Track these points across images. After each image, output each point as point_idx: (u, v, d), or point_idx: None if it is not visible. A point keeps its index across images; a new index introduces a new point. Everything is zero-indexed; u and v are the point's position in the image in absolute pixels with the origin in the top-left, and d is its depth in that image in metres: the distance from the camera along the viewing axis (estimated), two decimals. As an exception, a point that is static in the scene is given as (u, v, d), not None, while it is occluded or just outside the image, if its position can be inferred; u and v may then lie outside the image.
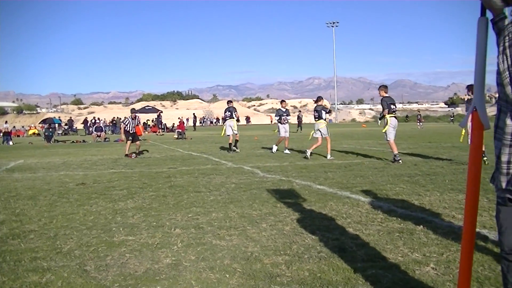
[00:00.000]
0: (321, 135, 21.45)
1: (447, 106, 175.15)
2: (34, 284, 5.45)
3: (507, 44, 2.77)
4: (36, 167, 19.76)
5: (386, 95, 19.53)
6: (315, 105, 22.29)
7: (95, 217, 9.13)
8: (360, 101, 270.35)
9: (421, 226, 7.71)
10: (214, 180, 14.05)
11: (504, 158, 2.90)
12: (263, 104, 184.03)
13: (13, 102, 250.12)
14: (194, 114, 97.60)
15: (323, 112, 21.86)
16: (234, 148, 26.22)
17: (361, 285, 5.18)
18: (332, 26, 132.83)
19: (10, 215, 9.51)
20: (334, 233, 7.46)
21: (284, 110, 25.31)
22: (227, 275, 5.61)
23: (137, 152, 24.51)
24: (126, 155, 24.11)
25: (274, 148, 24.87)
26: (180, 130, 47.96)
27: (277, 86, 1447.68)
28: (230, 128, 26.22)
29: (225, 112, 27.34)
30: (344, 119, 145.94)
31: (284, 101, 27.05)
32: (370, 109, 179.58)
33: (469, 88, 17.43)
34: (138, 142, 25.75)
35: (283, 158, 20.84)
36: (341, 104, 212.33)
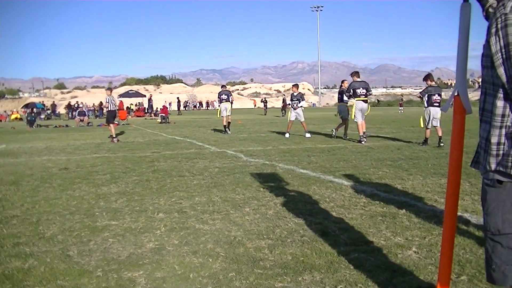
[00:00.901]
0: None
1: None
2: (16, 270, 5.43)
3: (499, 25, 2.79)
4: (18, 152, 19.66)
5: (358, 79, 21.14)
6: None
7: (78, 202, 9.11)
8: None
9: (404, 210, 7.76)
10: (198, 164, 14.04)
11: (494, 139, 2.91)
12: (247, 88, 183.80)
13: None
14: (178, 98, 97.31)
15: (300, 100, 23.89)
16: (227, 129, 27.57)
17: (344, 268, 5.20)
18: (317, 10, 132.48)
19: (-8, 201, 9.47)
20: (317, 217, 7.49)
21: (295, 94, 25.06)
22: (210, 259, 5.63)
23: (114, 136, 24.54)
24: (113, 137, 24.05)
25: (287, 134, 24.83)
26: (163, 115, 47.83)
27: (261, 70, 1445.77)
28: (225, 110, 28.02)
29: (220, 95, 28.58)
30: (327, 103, 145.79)
31: (296, 85, 26.70)
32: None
33: (426, 78, 19.36)
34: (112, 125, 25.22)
35: (267, 142, 20.84)
36: (325, 88, 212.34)
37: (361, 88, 20.71)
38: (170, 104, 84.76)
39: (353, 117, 20.90)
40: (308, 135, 23.93)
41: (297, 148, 18.03)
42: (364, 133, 20.25)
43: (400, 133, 24.98)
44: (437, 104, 18.62)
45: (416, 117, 42.88)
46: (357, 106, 20.55)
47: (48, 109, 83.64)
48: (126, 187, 10.63)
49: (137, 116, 72.09)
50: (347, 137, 22.17)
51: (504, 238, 2.92)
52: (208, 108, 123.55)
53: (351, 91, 20.81)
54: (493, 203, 2.97)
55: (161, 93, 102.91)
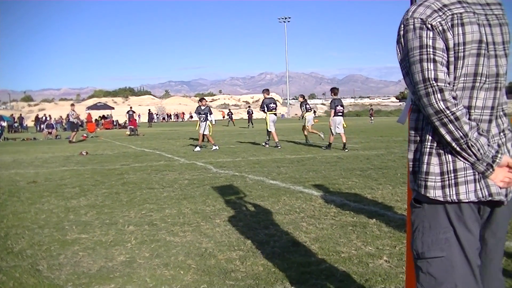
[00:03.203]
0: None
1: (398, 100, 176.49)
2: (-15, 285, 5.38)
3: (401, 32, 2.71)
4: (-15, 165, 19.46)
5: (268, 96, 25.52)
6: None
7: (47, 216, 9.04)
8: (312, 96, 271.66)
9: (374, 219, 7.80)
10: (167, 176, 14.00)
11: (410, 155, 2.81)
12: (215, 100, 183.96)
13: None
14: (149, 110, 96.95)
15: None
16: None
17: (315, 279, 5.22)
18: (284, 22, 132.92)
19: (-40, 215, 9.37)
20: (288, 227, 7.51)
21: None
22: (182, 272, 5.62)
23: (73, 140, 25.45)
24: (71, 141, 24.84)
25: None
26: (132, 127, 47.66)
27: (229, 82, 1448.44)
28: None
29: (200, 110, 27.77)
30: (296, 114, 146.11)
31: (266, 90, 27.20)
32: (322, 104, 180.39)
33: (331, 91, 22.91)
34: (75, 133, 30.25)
35: (236, 154, 20.85)
36: (293, 99, 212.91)
37: (273, 103, 25.23)
38: (139, 116, 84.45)
39: (268, 127, 24.67)
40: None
41: (266, 159, 18.06)
42: (306, 139, 24.21)
43: (369, 143, 25.08)
44: (341, 114, 22.16)
45: (386, 127, 43.16)
46: (270, 119, 24.55)
47: (16, 122, 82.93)
48: (96, 200, 10.56)
49: (106, 129, 71.76)
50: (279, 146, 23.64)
51: (424, 263, 2.74)
52: (177, 120, 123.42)
53: (264, 106, 24.96)
54: (415, 225, 2.81)
55: (129, 105, 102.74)
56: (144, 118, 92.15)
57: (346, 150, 20.56)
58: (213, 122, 24.88)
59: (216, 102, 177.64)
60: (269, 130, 24.68)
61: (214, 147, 23.82)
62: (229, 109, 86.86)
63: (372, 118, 71.11)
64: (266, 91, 26.44)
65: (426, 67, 2.55)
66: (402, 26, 2.72)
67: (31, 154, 25.37)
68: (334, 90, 22.88)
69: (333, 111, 22.15)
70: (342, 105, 22.54)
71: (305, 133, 26.65)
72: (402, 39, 2.73)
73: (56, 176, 14.85)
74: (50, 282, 5.44)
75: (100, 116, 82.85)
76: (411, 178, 2.84)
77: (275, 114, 25.27)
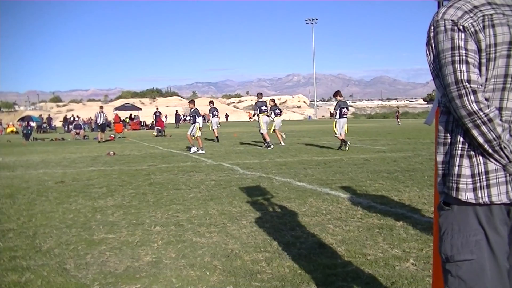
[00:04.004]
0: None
1: (426, 102, 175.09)
2: (13, 284, 5.42)
3: (431, 34, 2.65)
4: (14, 165, 19.62)
5: (261, 100, 27.70)
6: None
7: (75, 215, 9.10)
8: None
9: (401, 222, 7.75)
10: (194, 177, 14.03)
11: (439, 157, 2.76)
12: (242, 101, 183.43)
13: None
14: (176, 111, 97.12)
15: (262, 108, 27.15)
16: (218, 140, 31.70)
17: (341, 281, 5.20)
18: (311, 23, 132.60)
19: (-11, 214, 9.46)
20: (314, 229, 7.49)
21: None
22: (208, 272, 5.62)
23: (102, 140, 26.97)
24: (99, 141, 25.75)
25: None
26: (159, 128, 47.78)
27: (257, 83, 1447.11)
28: (216, 123, 33.81)
29: (212, 111, 34.64)
30: (323, 116, 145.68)
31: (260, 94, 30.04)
32: (350, 105, 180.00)
33: (335, 94, 24.19)
34: (102, 133, 33.19)
35: (263, 155, 20.84)
36: (321, 100, 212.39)
37: (264, 106, 27.06)
38: (166, 117, 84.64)
39: (261, 129, 26.53)
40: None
41: (293, 161, 18.03)
42: (268, 141, 25.76)
43: (396, 145, 24.94)
44: (345, 116, 23.48)
45: (413, 129, 42.92)
46: (263, 120, 26.36)
47: (44, 123, 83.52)
48: (123, 200, 10.61)
49: (133, 129, 72.01)
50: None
51: (453, 266, 2.69)
52: (204, 121, 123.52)
53: (258, 109, 26.92)
54: (443, 227, 2.77)
55: (156, 106, 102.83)
56: (171, 119, 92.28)
57: (343, 149, 22.39)
58: (201, 125, 24.88)
59: (243, 103, 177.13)
60: (262, 132, 26.47)
61: (199, 150, 23.84)
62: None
63: (399, 120, 70.66)
64: (260, 94, 29.25)
65: (458, 69, 2.52)
66: (432, 28, 2.68)
67: (59, 154, 25.55)
68: (339, 93, 24.04)
69: (338, 113, 23.24)
70: (347, 108, 24.13)
71: (277, 134, 27.89)
72: (432, 41, 2.69)
73: (83, 176, 14.95)
74: (77, 281, 5.48)
75: (127, 117, 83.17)
76: (439, 180, 2.80)
77: (268, 116, 26.95)
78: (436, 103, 3.07)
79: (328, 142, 26.45)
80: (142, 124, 79.14)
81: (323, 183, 12.11)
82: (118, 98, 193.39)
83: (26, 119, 70.70)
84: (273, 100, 29.42)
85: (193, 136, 24.26)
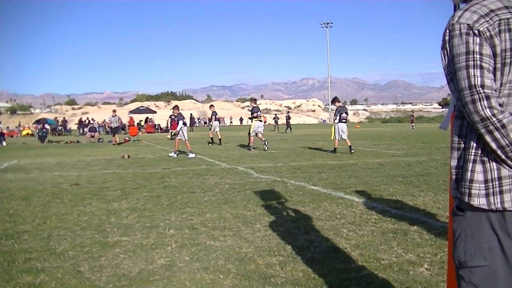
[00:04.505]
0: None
1: (440, 107, 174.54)
2: (28, 285, 5.45)
3: (446, 38, 2.63)
4: (29, 167, 19.72)
5: (255, 105, 29.36)
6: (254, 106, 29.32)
7: (89, 218, 9.13)
8: (354, 102, 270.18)
9: (415, 226, 7.73)
10: (208, 180, 14.05)
11: (453, 162, 2.73)
12: (257, 105, 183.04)
13: (7, 102, 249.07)
14: (191, 114, 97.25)
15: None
16: (219, 143, 33.53)
17: (355, 285, 5.19)
18: (326, 27, 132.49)
19: (4, 216, 9.51)
20: (328, 233, 7.48)
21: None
22: (221, 276, 5.62)
23: (116, 143, 32.49)
24: (118, 143, 30.11)
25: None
26: (173, 131, 47.84)
27: (271, 87, 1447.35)
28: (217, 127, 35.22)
29: (214, 114, 36.35)
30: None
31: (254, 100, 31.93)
32: (364, 109, 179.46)
33: (334, 101, 25.50)
34: (117, 136, 35.10)
35: (277, 159, 20.82)
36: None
37: (259, 112, 28.76)
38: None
39: (251, 131, 27.83)
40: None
41: (307, 165, 18.01)
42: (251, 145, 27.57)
43: (411, 149, 24.85)
44: (344, 121, 24.33)
45: (428, 133, 42.78)
46: (256, 125, 27.79)
47: (60, 125, 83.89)
48: (137, 203, 10.64)
49: (147, 132, 72.16)
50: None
51: (466, 272, 2.67)
52: (219, 124, 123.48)
53: (252, 113, 28.68)
54: (457, 233, 2.75)
55: (171, 109, 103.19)
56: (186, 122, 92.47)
57: (353, 151, 23.12)
58: (184, 129, 25.73)
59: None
60: (250, 134, 27.84)
61: (172, 153, 24.29)
62: (275, 115, 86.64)
63: (414, 124, 70.39)
64: (254, 100, 30.91)
65: (472, 74, 2.49)
66: (448, 31, 2.66)
67: (74, 156, 25.65)
68: (336, 99, 25.50)
69: (338, 118, 24.15)
70: (346, 113, 24.91)
71: (259, 136, 28.19)
72: (447, 44, 2.67)
73: (98, 179, 14.99)
74: (91, 283, 5.49)
75: (141, 120, 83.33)
76: (453, 185, 2.78)
77: (260, 121, 28.35)
78: (451, 107, 3.04)
79: (342, 146, 26.38)
80: (156, 127, 79.33)
81: (338, 187, 12.09)
82: (133, 101, 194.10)
83: (41, 121, 70.99)
84: (255, 101, 31.11)
85: (185, 139, 24.88)
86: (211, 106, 39.68)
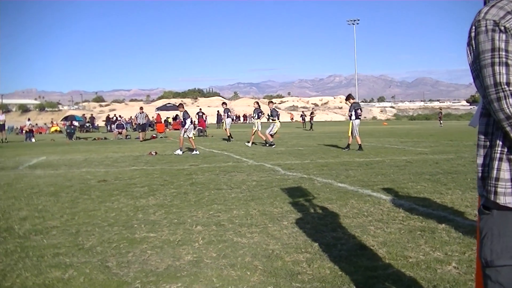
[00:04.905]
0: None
1: (468, 104, 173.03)
2: (56, 280, 5.49)
3: (472, 34, 2.55)
4: (58, 164, 19.87)
5: (257, 106, 31.02)
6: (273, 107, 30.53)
7: (117, 214, 9.18)
8: (381, 99, 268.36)
9: (443, 224, 7.68)
10: (235, 177, 14.07)
11: (479, 160, 2.72)
12: (284, 102, 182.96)
13: (35, 99, 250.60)
14: (218, 111, 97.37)
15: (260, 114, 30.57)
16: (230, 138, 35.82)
17: (382, 283, 5.17)
18: (353, 24, 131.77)
19: (33, 211, 9.59)
20: (355, 231, 7.45)
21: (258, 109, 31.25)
22: (248, 273, 5.63)
23: (143, 139, 35.52)
24: (146, 139, 32.24)
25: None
26: (201, 128, 47.99)
27: (298, 84, 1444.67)
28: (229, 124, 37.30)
29: (226, 112, 37.73)
30: (365, 117, 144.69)
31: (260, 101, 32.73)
32: (391, 107, 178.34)
33: (348, 98, 25.43)
34: (143, 133, 37.82)
35: (304, 156, 20.79)
36: (362, 102, 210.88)
37: (261, 113, 30.56)
38: (206, 117, 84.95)
39: (255, 128, 29.97)
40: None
41: (334, 162, 17.97)
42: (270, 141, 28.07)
43: (438, 147, 24.69)
44: (360, 117, 24.60)
45: (455, 130, 42.49)
46: (259, 123, 30.05)
47: (88, 122, 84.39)
48: (164, 199, 10.68)
49: (175, 129, 72.29)
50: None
51: (493, 271, 2.64)
52: (246, 121, 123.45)
53: (256, 115, 30.58)
54: (483, 232, 2.71)
55: (198, 106, 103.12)
56: (213, 119, 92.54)
57: (347, 150, 23.75)
58: (191, 127, 25.85)
59: (284, 104, 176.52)
60: (257, 130, 29.82)
61: (177, 151, 24.34)
62: (303, 112, 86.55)
63: (441, 121, 69.92)
64: (256, 103, 32.20)
65: (498, 71, 2.46)
66: (474, 27, 2.62)
67: (101, 153, 25.80)
68: (351, 96, 25.60)
69: (353, 114, 24.25)
70: (361, 109, 25.25)
71: (259, 134, 29.98)
72: (473, 41, 2.64)
73: (125, 175, 15.08)
74: (118, 279, 5.52)
75: (168, 117, 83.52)
76: (479, 183, 2.76)
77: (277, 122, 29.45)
78: (480, 104, 3.00)
79: (370, 143, 26.29)
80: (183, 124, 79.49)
81: (365, 185, 12.06)
82: (160, 98, 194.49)
83: (69, 118, 71.49)
84: (257, 103, 32.43)
85: (188, 137, 24.85)
86: (224, 103, 40.93)
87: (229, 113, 37.74)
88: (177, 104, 29.75)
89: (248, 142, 29.37)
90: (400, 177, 13.36)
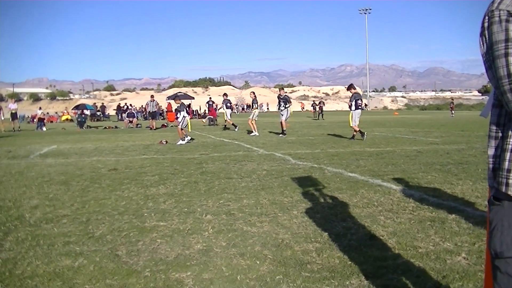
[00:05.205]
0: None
1: (480, 94, 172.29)
2: (67, 268, 5.51)
3: (485, 24, 2.50)
4: (68, 152, 19.93)
5: (253, 96, 31.96)
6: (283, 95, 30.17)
7: (127, 203, 9.20)
8: (392, 89, 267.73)
9: (453, 215, 7.66)
10: (246, 166, 14.08)
11: (490, 151, 2.71)
12: (295, 91, 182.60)
13: (47, 88, 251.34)
14: (207, 102, 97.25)
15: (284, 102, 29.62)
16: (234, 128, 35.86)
17: (391, 273, 5.16)
18: (365, 13, 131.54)
19: (44, 200, 9.63)
20: (365, 221, 7.45)
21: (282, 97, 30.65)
22: (258, 262, 5.63)
23: (153, 127, 36.91)
24: (155, 128, 33.41)
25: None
26: (211, 117, 48.01)
27: (309, 73, 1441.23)
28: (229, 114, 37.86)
29: (226, 102, 38.14)
30: (376, 107, 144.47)
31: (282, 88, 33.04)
32: (403, 96, 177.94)
33: (349, 88, 25.57)
34: (154, 121, 39.48)
35: (315, 146, 20.77)
36: (373, 91, 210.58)
37: (256, 103, 31.79)
38: (217, 106, 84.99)
39: (252, 117, 30.31)
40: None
41: (345, 152, 17.95)
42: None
43: (450, 137, 24.61)
44: (360, 107, 24.94)
45: (467, 121, 42.35)
46: (256, 113, 30.76)
47: (98, 111, 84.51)
48: (175, 188, 10.70)
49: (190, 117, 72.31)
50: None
51: (502, 263, 2.64)
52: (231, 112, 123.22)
53: (253, 105, 31.91)
54: (493, 223, 2.71)
55: (209, 95, 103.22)
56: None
57: (360, 139, 23.45)
58: (186, 118, 25.91)
59: (295, 93, 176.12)
60: (253, 119, 30.25)
61: (180, 141, 24.16)
62: (313, 101, 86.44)
63: (453, 112, 69.64)
64: (252, 93, 32.92)
65: (511, 62, 2.42)
66: (487, 18, 2.59)
67: (112, 142, 25.88)
68: (352, 86, 25.71)
69: (353, 104, 24.73)
70: (361, 99, 25.67)
71: (252, 123, 30.34)
72: (486, 31, 2.60)
73: (136, 164, 15.11)
74: (128, 267, 5.54)
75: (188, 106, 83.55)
76: (490, 175, 2.75)
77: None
78: (492, 95, 2.98)
79: (380, 133, 26.25)
80: (194, 113, 79.54)
81: (375, 174, 12.04)
82: (171, 87, 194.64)
83: (80, 107, 71.47)
84: (253, 93, 33.02)
85: (182, 128, 24.68)
86: (224, 94, 40.91)
87: (227, 104, 38.17)
88: (173, 98, 31.00)
89: (251, 132, 29.70)
90: (411, 167, 13.33)
